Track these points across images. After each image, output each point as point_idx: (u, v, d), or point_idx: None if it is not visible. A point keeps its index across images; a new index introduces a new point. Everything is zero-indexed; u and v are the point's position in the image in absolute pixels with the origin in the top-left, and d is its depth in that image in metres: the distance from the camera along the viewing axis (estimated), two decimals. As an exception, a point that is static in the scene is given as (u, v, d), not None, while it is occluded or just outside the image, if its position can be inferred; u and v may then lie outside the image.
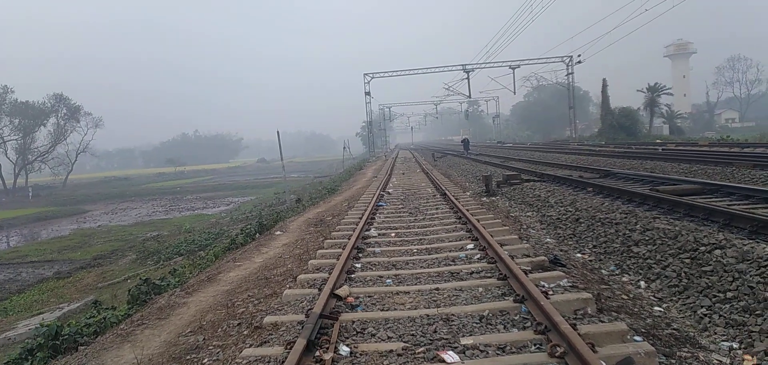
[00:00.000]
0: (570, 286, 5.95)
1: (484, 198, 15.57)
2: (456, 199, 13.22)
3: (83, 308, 12.91)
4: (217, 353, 5.18)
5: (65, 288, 17.10)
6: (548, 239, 9.86)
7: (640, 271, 7.40)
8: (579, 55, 50.36)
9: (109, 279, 17.39)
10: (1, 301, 16.09)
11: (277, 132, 26.19)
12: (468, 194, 16.22)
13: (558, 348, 4.09)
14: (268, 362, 4.45)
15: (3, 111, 74.80)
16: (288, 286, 7.08)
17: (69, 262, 22.24)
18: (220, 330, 5.93)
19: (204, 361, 5.04)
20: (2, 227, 39.07)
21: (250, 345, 5.03)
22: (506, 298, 5.63)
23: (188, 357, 5.21)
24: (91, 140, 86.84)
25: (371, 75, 58.91)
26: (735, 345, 5.02)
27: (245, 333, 5.61)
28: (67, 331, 7.37)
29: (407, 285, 6.52)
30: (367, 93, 60.04)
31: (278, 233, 13.18)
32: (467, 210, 11.07)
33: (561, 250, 8.78)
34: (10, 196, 68.43)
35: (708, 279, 6.27)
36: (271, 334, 5.19)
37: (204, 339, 5.73)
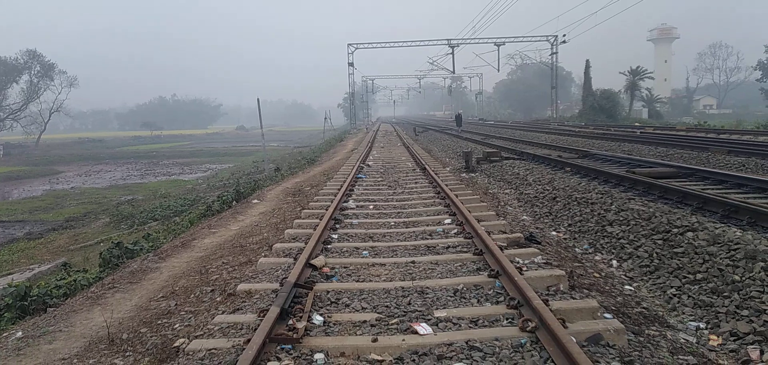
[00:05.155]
0: (544, 263, 6.00)
1: (464, 174, 15.61)
2: (435, 174, 13.23)
3: (54, 270, 12.68)
4: (189, 319, 5.12)
5: (36, 249, 16.77)
6: (525, 217, 9.93)
7: (613, 250, 7.50)
8: (564, 35, 50.60)
9: (81, 242, 17.10)
10: (-31, 260, 15.71)
11: (257, 99, 25.86)
12: (448, 169, 16.25)
13: (529, 323, 4.13)
14: (241, 329, 4.41)
15: (-27, 66, 72.44)
16: (263, 255, 7.03)
17: (41, 223, 21.79)
18: (192, 296, 5.87)
19: (175, 326, 4.98)
20: (-28, 185, 38.10)
21: (223, 312, 4.99)
22: (481, 273, 5.66)
23: (159, 322, 5.14)
24: (65, 100, 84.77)
25: (355, 46, 58.32)
26: (702, 325, 5.13)
27: (218, 299, 5.56)
28: (36, 292, 7.21)
29: (384, 257, 6.51)
30: (351, 64, 59.50)
31: (255, 201, 13.06)
32: (446, 185, 11.08)
33: (537, 228, 8.86)
34: (-20, 154, 66.65)
35: (679, 260, 6.38)
36: (245, 302, 5.15)
37: (176, 304, 5.66)
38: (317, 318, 4.50)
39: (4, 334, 5.91)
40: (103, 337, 4.95)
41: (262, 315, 4.45)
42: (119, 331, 5.06)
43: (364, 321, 4.46)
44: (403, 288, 5.25)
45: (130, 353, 4.56)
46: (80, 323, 5.57)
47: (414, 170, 15.59)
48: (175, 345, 4.48)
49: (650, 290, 6.18)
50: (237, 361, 3.61)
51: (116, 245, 9.63)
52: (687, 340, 4.79)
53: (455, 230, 7.65)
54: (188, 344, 4.25)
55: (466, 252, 6.49)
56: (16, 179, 42.14)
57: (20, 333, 5.62)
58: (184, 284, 6.42)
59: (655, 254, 6.78)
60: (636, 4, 34.37)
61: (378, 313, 4.63)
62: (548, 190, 11.31)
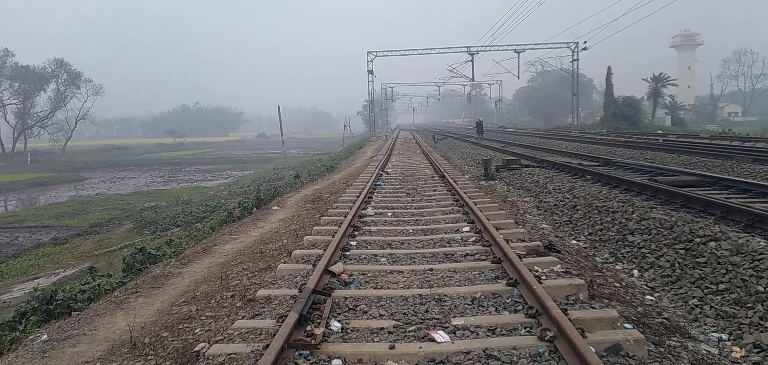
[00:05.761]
0: (563, 272, 5.96)
1: (483, 182, 15.56)
2: (454, 181, 13.21)
3: (79, 274, 12.96)
4: (210, 323, 5.20)
5: (62, 254, 17.16)
6: (544, 225, 9.86)
7: (634, 260, 7.41)
8: (585, 42, 50.19)
9: (105, 247, 17.44)
10: (-3, 264, 16.12)
11: (278, 107, 26.13)
12: (467, 177, 16.21)
13: (548, 332, 4.11)
14: (260, 334, 4.46)
15: (3, 74, 74.16)
16: (283, 261, 7.09)
17: (66, 228, 22.28)
18: (213, 301, 5.95)
19: (196, 331, 5.06)
20: (0, 191, 39.09)
21: (243, 317, 5.05)
22: (499, 281, 5.64)
23: (180, 327, 5.23)
24: (91, 108, 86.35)
25: (375, 53, 58.63)
26: (724, 336, 5.04)
27: (238, 305, 5.64)
28: (61, 296, 7.38)
29: (401, 264, 6.53)
30: (370, 71, 59.84)
31: (275, 208, 13.18)
32: (465, 193, 11.05)
33: (556, 236, 8.79)
34: (8, 160, 68.28)
35: (701, 270, 6.28)
36: (264, 307, 5.21)
37: (197, 309, 5.75)
38: (335, 325, 4.53)
39: (30, 337, 6.06)
40: (125, 341, 5.04)
41: (280, 320, 4.51)
42: (141, 335, 5.15)
43: (382, 328, 4.48)
44: (420, 295, 5.26)
45: (152, 357, 4.64)
46: (104, 327, 5.69)
47: (433, 177, 15.58)
48: (196, 349, 4.55)
49: (672, 300, 6.10)
50: (256, 366, 3.66)
51: (139, 250, 9.81)
52: (709, 351, 4.71)
53: (473, 238, 7.63)
54: (209, 348, 4.32)
55: (484, 260, 6.47)
56: (43, 185, 43.18)
57: (45, 336, 5.76)
58: (205, 289, 6.52)
59: (677, 264, 6.69)
60: (658, 10, 34.01)
61: (395, 320, 4.65)
62: (568, 198, 11.22)
